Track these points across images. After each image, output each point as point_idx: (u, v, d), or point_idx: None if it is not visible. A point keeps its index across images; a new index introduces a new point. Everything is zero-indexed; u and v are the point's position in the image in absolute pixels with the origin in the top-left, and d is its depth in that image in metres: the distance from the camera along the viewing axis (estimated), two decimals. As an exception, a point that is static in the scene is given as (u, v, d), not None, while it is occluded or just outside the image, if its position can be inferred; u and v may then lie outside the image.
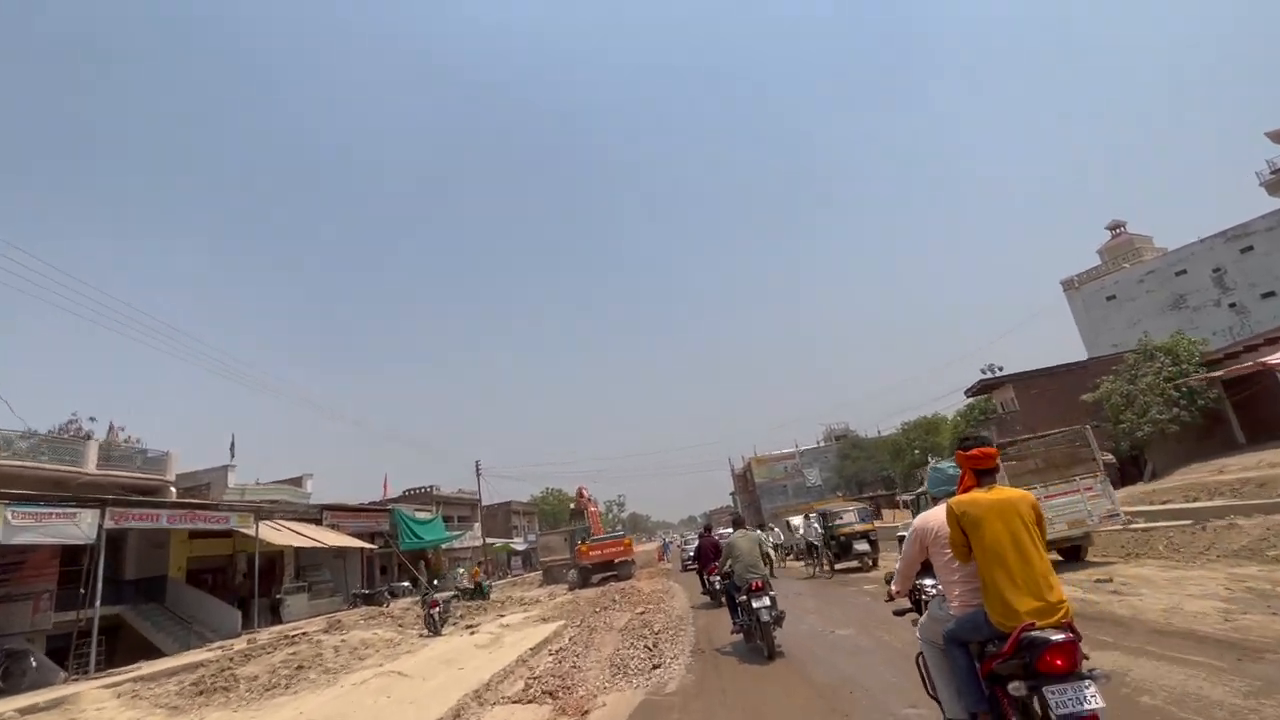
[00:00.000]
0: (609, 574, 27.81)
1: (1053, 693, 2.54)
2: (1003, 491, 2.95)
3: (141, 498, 16.64)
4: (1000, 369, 54.39)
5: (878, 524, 18.15)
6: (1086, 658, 2.69)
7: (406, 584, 30.49)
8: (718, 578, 10.71)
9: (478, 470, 35.59)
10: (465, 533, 36.94)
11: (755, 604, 7.30)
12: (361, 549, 25.40)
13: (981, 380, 31.41)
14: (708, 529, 16.23)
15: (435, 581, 19.39)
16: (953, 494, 3.20)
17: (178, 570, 20.08)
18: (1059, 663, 2.55)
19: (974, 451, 3.04)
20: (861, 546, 16.11)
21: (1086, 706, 2.47)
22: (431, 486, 37.52)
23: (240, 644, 15.49)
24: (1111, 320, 49.90)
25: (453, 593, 26.63)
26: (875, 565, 15.87)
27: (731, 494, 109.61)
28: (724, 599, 9.53)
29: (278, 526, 21.98)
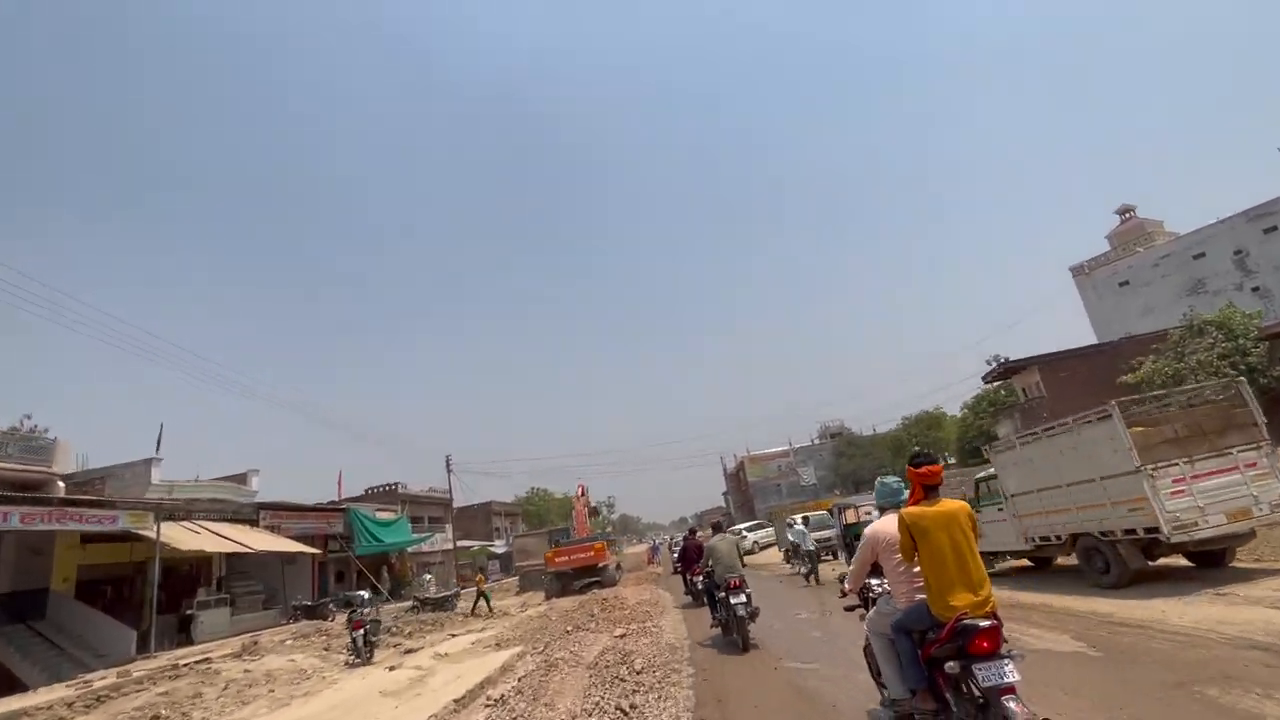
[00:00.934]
0: (591, 580, 24.84)
1: (980, 669, 3.04)
2: (945, 504, 3.40)
3: (-6, 492, 13.21)
4: (1006, 359, 52.03)
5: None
6: (1005, 641, 3.17)
7: (363, 593, 27.12)
8: (700, 578, 11.08)
9: (448, 466, 32.22)
10: (433, 535, 33.44)
11: (733, 600, 7.87)
12: (309, 554, 21.95)
13: (1003, 364, 28.49)
14: (692, 532, 15.49)
15: (366, 594, 16.09)
16: (898, 505, 3.77)
17: (64, 582, 16.60)
18: (985, 645, 3.06)
19: (924, 469, 3.46)
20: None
21: (1006, 679, 2.98)
22: (396, 484, 33.89)
23: (110, 677, 12.13)
24: (1125, 307, 47.35)
25: (411, 603, 23.36)
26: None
27: (724, 494, 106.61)
28: (705, 598, 9.93)
29: (196, 528, 18.57)
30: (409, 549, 31.37)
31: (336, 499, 28.68)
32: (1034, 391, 28.57)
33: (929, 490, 3.43)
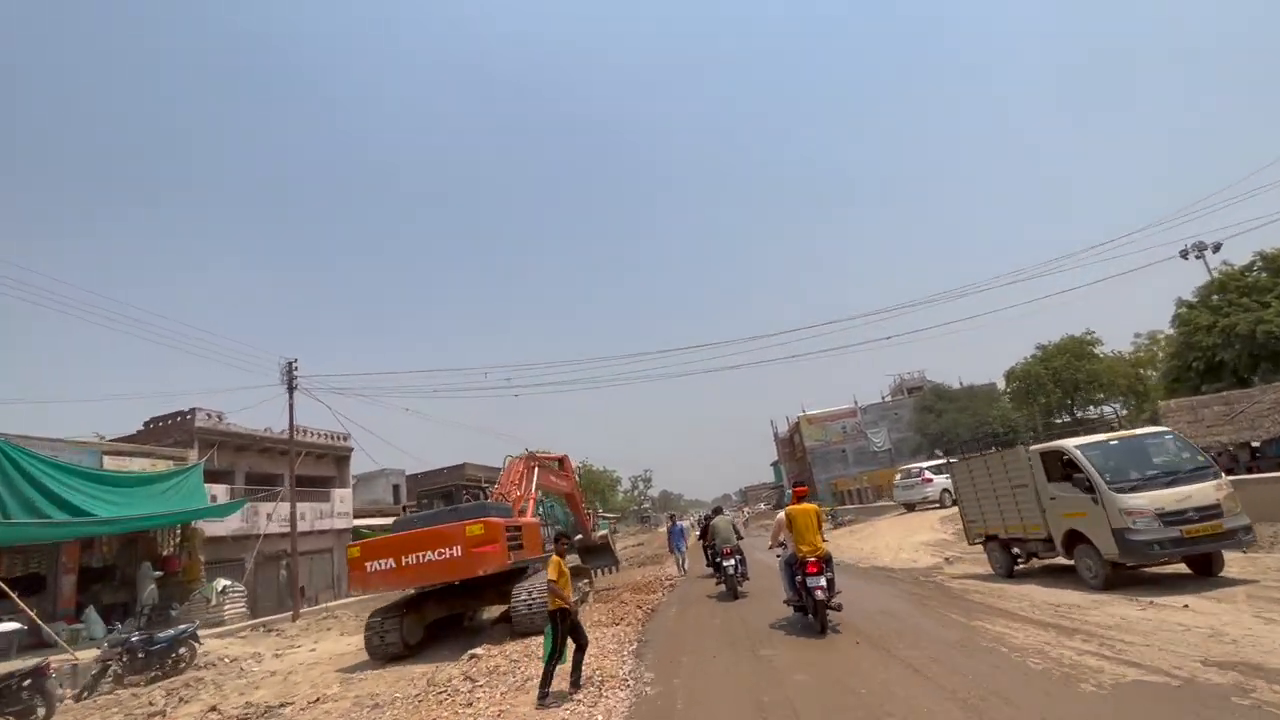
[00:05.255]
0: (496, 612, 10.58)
1: (808, 579, 7.45)
2: (806, 506, 8.07)
3: None
4: (1217, 247, 33.72)
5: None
6: (827, 568, 7.58)
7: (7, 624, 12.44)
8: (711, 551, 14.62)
9: (290, 380, 17.40)
10: (243, 504, 18.52)
11: (724, 564, 11.80)
12: None
13: None
14: (718, 510, 18.24)
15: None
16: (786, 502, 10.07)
17: None
18: (811, 569, 7.43)
19: (798, 489, 8.65)
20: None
21: (819, 584, 7.40)
22: (192, 411, 18.96)
23: None
24: None
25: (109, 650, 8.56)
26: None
27: (774, 464, 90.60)
28: (711, 564, 14.44)
29: None
30: (188, 525, 16.70)
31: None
32: None
33: (800, 497, 8.33)
